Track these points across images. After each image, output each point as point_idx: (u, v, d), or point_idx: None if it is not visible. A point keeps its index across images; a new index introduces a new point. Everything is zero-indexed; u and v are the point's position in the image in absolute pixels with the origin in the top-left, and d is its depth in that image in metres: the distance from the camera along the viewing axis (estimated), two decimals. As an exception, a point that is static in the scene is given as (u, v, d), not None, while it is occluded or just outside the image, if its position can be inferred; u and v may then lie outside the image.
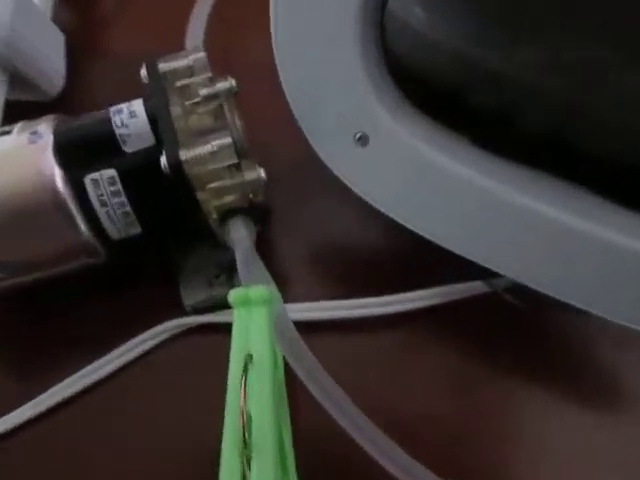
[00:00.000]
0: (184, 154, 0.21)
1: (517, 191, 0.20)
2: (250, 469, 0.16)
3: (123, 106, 0.22)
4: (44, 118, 0.23)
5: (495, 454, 0.22)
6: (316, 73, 0.20)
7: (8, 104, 0.27)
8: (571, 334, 0.24)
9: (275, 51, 0.21)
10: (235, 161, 0.21)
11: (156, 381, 0.24)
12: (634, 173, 0.20)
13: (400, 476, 0.19)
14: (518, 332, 0.24)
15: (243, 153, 0.22)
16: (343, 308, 0.25)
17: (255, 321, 0.19)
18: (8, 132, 0.22)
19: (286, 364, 0.20)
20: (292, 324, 0.20)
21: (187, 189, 0.21)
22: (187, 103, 0.23)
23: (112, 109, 0.22)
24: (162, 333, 0.24)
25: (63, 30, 0.31)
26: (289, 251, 0.26)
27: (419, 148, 0.21)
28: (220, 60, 0.24)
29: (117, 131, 0.22)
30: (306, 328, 0.21)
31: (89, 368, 0.24)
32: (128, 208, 0.22)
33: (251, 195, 0.23)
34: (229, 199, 0.22)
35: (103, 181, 0.21)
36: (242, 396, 0.17)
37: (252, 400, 0.17)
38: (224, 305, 0.22)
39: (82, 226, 0.22)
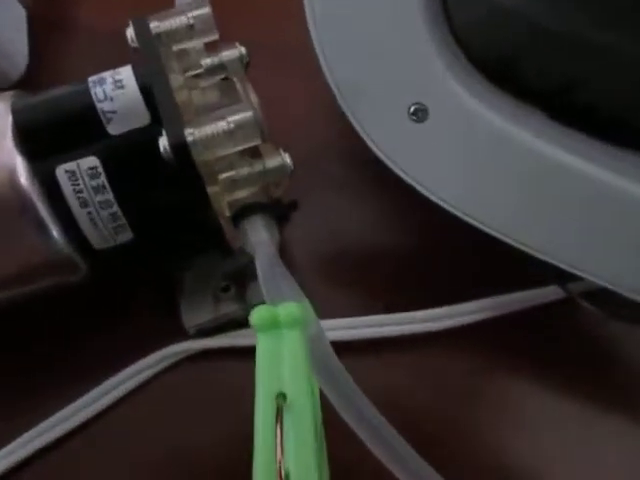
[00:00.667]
0: (191, 134, 0.18)
1: (609, 170, 0.19)
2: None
3: (106, 75, 0.19)
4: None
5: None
6: (366, 37, 0.20)
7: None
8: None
9: (311, 15, 0.20)
10: (259, 142, 0.19)
11: (151, 419, 0.23)
12: None
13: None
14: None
15: (263, 135, 0.19)
16: (383, 324, 0.23)
17: (288, 349, 0.17)
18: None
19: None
20: (332, 350, 0.18)
21: (194, 181, 0.19)
22: (187, 75, 0.21)
23: (91, 79, 0.19)
24: (160, 362, 0.23)
25: (24, 5, 0.30)
26: (303, 256, 0.25)
27: (493, 121, 0.19)
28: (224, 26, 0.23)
29: (99, 106, 0.19)
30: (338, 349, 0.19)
31: (66, 411, 0.22)
32: (116, 208, 0.19)
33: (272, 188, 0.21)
34: (246, 193, 0.20)
35: (81, 173, 0.19)
36: (279, 450, 0.15)
37: (290, 454, 0.15)
38: (236, 325, 0.22)
39: (55, 233, 0.19)
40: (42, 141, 0.19)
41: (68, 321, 0.23)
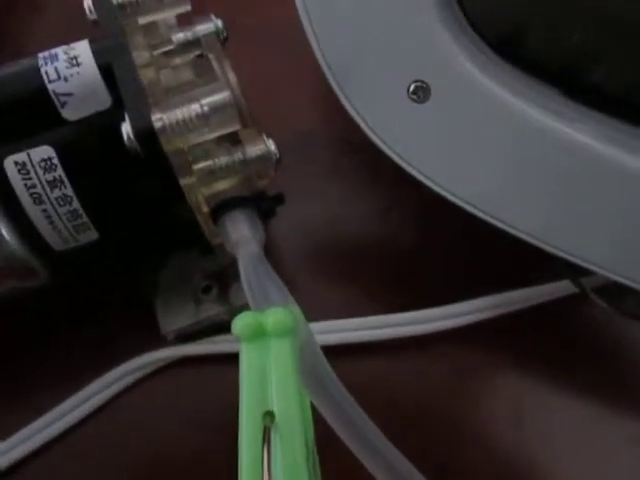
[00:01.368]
0: (159, 119, 0.16)
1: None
2: None
3: (59, 50, 0.17)
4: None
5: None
6: (361, 5, 0.18)
7: None
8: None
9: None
10: (237, 127, 0.17)
11: (131, 428, 0.22)
12: None
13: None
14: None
15: (243, 119, 0.18)
16: (378, 326, 0.22)
17: (275, 361, 0.16)
18: None
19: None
20: (324, 359, 0.17)
21: (164, 172, 0.17)
22: (156, 53, 0.19)
23: (41, 55, 0.17)
24: (134, 371, 0.22)
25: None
26: (292, 253, 0.24)
27: (504, 99, 0.17)
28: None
29: (50, 87, 0.17)
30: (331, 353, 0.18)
31: (42, 420, 0.21)
32: (75, 204, 0.18)
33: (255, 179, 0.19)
34: (226, 185, 0.19)
35: (33, 165, 0.17)
36: (266, 475, 0.14)
37: (278, 478, 0.14)
38: (218, 329, 0.21)
39: (5, 233, 0.18)
40: (-15, 128, 0.17)
41: (31, 330, 0.22)
